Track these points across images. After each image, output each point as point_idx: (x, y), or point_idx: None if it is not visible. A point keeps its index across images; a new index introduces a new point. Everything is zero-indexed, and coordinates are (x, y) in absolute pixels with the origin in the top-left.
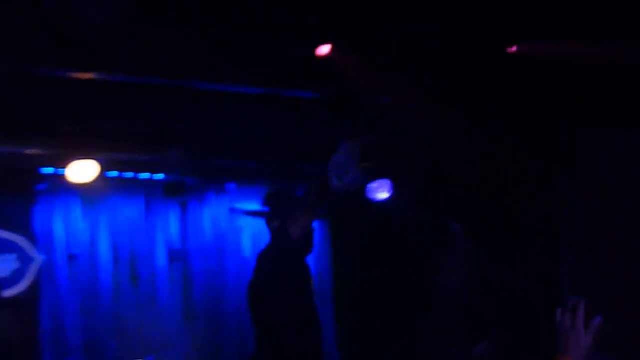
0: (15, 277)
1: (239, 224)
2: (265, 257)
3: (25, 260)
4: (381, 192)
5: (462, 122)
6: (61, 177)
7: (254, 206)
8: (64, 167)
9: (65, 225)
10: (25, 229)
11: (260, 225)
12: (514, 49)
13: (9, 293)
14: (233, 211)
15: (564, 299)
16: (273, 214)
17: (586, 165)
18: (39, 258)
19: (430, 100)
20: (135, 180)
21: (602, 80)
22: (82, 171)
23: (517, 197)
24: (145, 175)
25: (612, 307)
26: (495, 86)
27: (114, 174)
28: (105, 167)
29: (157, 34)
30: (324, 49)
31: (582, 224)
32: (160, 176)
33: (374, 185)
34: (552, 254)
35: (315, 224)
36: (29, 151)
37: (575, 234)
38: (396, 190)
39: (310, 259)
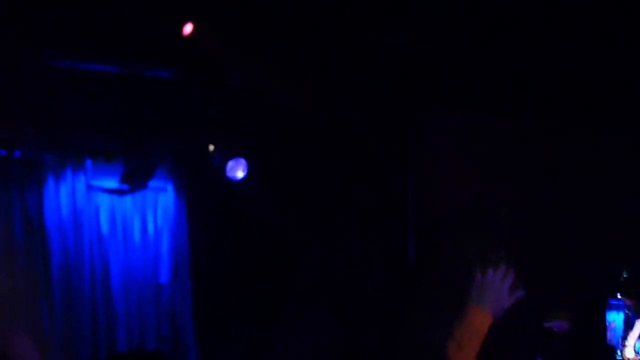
0: None
1: (96, 201)
2: None
3: None
4: (237, 171)
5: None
6: None
7: (111, 183)
8: None
9: None
10: None
11: (117, 202)
12: None
13: None
14: (90, 188)
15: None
16: None
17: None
18: None
19: (285, 81)
20: None
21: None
22: None
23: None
24: (2, 153)
25: None
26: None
27: None
28: None
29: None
30: (188, 28)
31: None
32: (16, 153)
33: (230, 164)
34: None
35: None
36: None
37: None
38: (251, 170)
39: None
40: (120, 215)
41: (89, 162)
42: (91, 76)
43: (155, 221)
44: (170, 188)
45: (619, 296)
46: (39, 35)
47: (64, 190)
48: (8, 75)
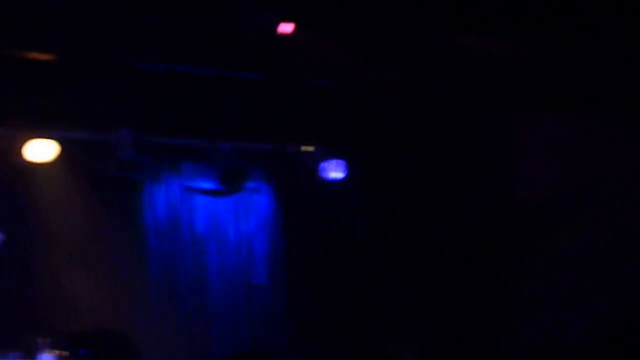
0: None
1: (192, 202)
2: None
3: None
4: (334, 172)
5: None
6: (20, 156)
7: (207, 185)
8: (21, 146)
9: (22, 204)
10: None
11: (212, 203)
12: None
13: None
14: (186, 190)
15: None
16: None
17: None
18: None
19: (382, 81)
20: (92, 158)
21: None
22: (40, 150)
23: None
24: (101, 154)
25: None
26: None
27: (69, 153)
28: (63, 147)
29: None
30: (286, 27)
31: None
32: (116, 155)
33: (326, 164)
34: None
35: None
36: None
37: None
38: (348, 170)
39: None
40: (216, 217)
41: (185, 164)
42: (185, 79)
43: (250, 222)
44: (265, 189)
45: None
46: (134, 40)
47: (161, 191)
48: (106, 79)
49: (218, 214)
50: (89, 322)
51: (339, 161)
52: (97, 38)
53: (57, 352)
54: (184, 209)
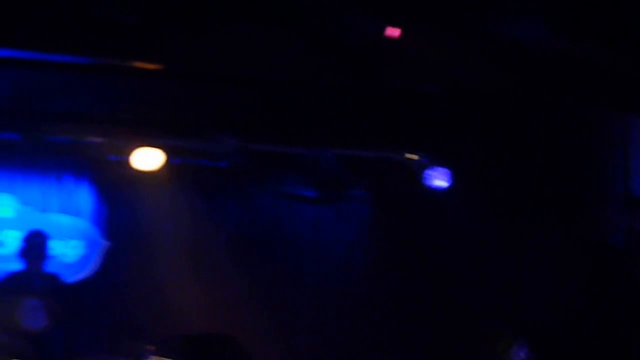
0: (80, 263)
1: (294, 209)
2: None
3: (91, 245)
4: (437, 180)
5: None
6: (126, 164)
7: (308, 192)
8: (128, 154)
9: (129, 211)
10: (92, 215)
11: (314, 211)
12: None
13: (74, 278)
14: (288, 197)
15: None
16: None
17: None
18: (104, 243)
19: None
20: (196, 167)
21: None
22: (146, 158)
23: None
24: (206, 163)
25: None
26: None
27: (176, 161)
28: (168, 155)
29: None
30: (393, 31)
31: None
32: (220, 163)
33: (432, 173)
34: None
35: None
36: (95, 139)
37: None
38: (454, 180)
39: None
40: (317, 225)
41: (287, 172)
42: (289, 87)
43: (351, 230)
44: (367, 197)
45: None
46: (239, 48)
47: (263, 199)
48: (211, 88)
49: (319, 222)
50: (196, 327)
51: (443, 169)
52: (202, 47)
53: (164, 358)
54: (285, 216)
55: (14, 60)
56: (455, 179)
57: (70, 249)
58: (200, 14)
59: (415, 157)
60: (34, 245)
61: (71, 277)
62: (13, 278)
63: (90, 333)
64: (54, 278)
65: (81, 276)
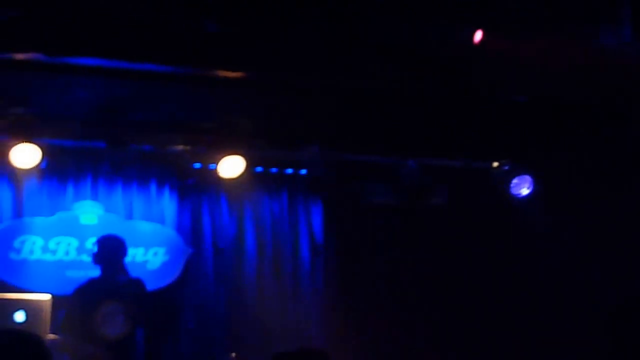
0: (164, 269)
1: (374, 218)
2: None
3: (174, 252)
4: (522, 188)
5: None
6: (209, 172)
7: (389, 201)
8: (211, 162)
9: (212, 219)
10: (175, 222)
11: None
12: None
13: (158, 285)
14: (367, 206)
15: None
16: None
17: None
18: (187, 251)
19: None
20: (279, 175)
21: None
22: (230, 166)
23: None
24: (288, 171)
25: None
26: None
27: (259, 169)
28: (251, 163)
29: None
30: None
31: None
32: (303, 172)
33: (515, 181)
34: None
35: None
36: (178, 147)
37: None
38: (539, 188)
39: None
40: (397, 232)
41: (371, 180)
42: (372, 95)
43: (432, 237)
44: (447, 205)
45: None
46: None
47: (347, 208)
48: (295, 99)
49: (404, 231)
50: (289, 342)
51: (528, 177)
52: (287, 56)
53: None
54: (369, 225)
55: (100, 69)
56: (539, 187)
57: (154, 256)
58: (285, 22)
59: (499, 165)
60: (108, 249)
61: (155, 284)
62: (92, 284)
63: (173, 341)
64: (134, 283)
65: (165, 283)
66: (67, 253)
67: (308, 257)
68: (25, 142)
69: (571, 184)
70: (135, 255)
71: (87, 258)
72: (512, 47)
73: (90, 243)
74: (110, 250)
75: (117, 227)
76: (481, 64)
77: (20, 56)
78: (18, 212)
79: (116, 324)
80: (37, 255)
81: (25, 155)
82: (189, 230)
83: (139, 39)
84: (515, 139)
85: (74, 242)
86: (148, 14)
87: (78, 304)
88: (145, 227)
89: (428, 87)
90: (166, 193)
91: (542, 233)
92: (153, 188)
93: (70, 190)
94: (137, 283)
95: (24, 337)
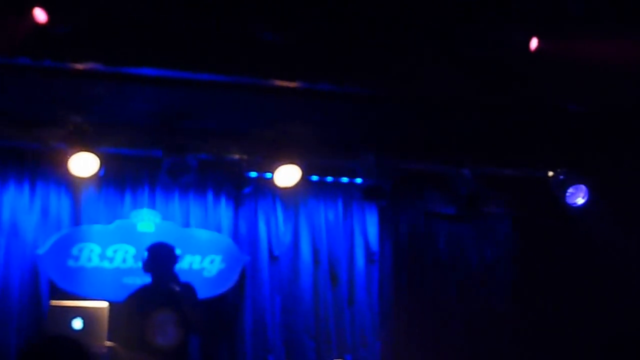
0: (220, 277)
1: (434, 227)
2: None
3: (230, 260)
4: (578, 198)
5: None
6: (265, 181)
7: (449, 210)
8: (267, 171)
9: (268, 227)
10: (231, 230)
11: (454, 229)
12: None
13: (214, 292)
14: (428, 215)
15: None
16: None
17: None
18: (243, 258)
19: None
20: (334, 183)
21: None
22: (285, 175)
23: None
24: (344, 179)
25: None
26: None
27: (314, 178)
28: (306, 172)
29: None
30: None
31: None
32: (358, 180)
33: (570, 190)
34: None
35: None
36: (235, 156)
37: None
38: (595, 197)
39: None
40: (458, 242)
41: (426, 189)
42: (427, 104)
43: (491, 248)
44: (507, 215)
45: None
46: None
47: (403, 216)
48: (351, 108)
49: (460, 240)
50: (344, 350)
51: (583, 187)
52: (343, 66)
53: None
54: (425, 234)
55: (158, 79)
56: (595, 195)
57: (210, 263)
58: (342, 35)
59: (555, 174)
60: (158, 257)
61: (211, 292)
62: (143, 292)
63: (229, 348)
64: (185, 290)
65: (221, 291)
66: (124, 260)
67: (363, 265)
68: (84, 151)
69: (628, 193)
70: (192, 263)
71: None
72: (571, 52)
73: None
74: (161, 258)
75: (174, 235)
76: (538, 73)
77: (79, 66)
78: (76, 220)
79: (168, 334)
80: (95, 262)
81: (84, 164)
82: (245, 238)
83: (196, 48)
84: (573, 148)
85: (131, 250)
86: (205, 24)
87: (130, 311)
88: (201, 235)
89: (486, 97)
90: (222, 201)
91: (601, 241)
92: (210, 196)
93: (127, 198)
94: (188, 289)
95: (67, 344)
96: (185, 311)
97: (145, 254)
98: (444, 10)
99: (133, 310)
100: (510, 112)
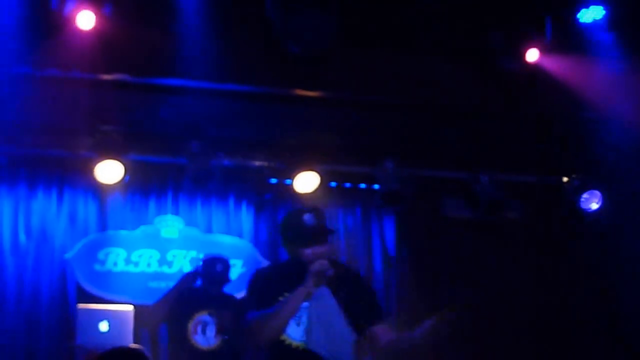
0: (241, 281)
1: (450, 231)
2: None
3: (251, 265)
4: (591, 203)
5: None
6: (285, 187)
7: (465, 214)
8: (287, 178)
9: None
10: (252, 236)
11: (470, 233)
12: None
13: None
14: (444, 219)
15: None
16: None
17: None
18: (264, 263)
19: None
20: (353, 190)
21: None
22: (305, 182)
23: None
24: (362, 186)
25: None
26: None
27: (333, 184)
28: (325, 178)
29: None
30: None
31: None
32: (377, 186)
33: (584, 195)
34: None
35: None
36: (257, 163)
37: None
38: (609, 202)
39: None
40: (475, 248)
41: (445, 195)
42: (446, 112)
43: (508, 253)
44: (521, 219)
45: None
46: (394, 75)
47: (419, 220)
48: (370, 116)
49: (477, 245)
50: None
51: (597, 192)
52: (362, 75)
53: None
54: (443, 239)
55: (184, 89)
56: (609, 201)
57: (232, 268)
58: (363, 43)
59: (570, 180)
60: (213, 272)
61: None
62: (186, 295)
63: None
64: (225, 297)
65: (240, 294)
66: (149, 265)
67: (381, 271)
68: (110, 158)
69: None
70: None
71: (168, 270)
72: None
73: (171, 255)
74: (216, 273)
75: (196, 240)
76: (551, 81)
77: (107, 77)
78: (103, 226)
79: (207, 335)
80: (121, 267)
81: (110, 171)
82: (265, 244)
83: (222, 60)
84: (587, 154)
85: (156, 255)
86: (230, 35)
87: (175, 311)
88: (223, 240)
89: (502, 104)
90: (244, 207)
91: (614, 247)
92: (231, 202)
93: (152, 204)
94: (233, 299)
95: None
96: (226, 317)
97: (201, 265)
98: (462, 21)
99: (177, 312)
100: (527, 120)
